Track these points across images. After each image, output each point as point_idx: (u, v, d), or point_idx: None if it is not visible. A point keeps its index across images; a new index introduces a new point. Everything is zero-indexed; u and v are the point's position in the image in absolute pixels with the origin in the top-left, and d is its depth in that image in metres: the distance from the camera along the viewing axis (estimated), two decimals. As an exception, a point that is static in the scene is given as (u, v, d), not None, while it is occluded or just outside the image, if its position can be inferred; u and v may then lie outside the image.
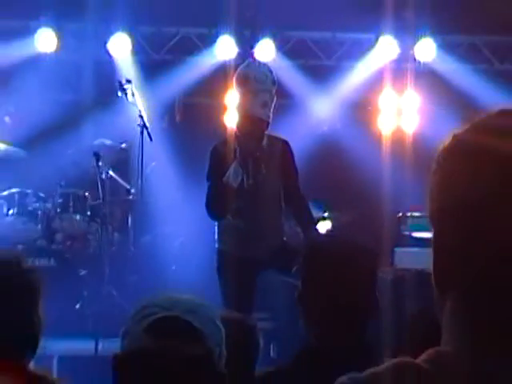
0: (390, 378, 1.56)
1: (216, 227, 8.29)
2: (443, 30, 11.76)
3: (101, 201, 10.45)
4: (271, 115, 8.10)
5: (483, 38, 11.92)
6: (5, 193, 10.40)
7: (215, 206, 8.08)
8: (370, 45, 11.89)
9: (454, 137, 1.60)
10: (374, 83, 11.71)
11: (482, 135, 1.58)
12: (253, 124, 8.05)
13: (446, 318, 1.59)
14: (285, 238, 8.34)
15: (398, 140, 11.23)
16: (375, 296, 3.92)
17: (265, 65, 9.22)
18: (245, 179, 7.98)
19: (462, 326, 1.56)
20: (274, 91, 8.18)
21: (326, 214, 10.13)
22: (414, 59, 11.91)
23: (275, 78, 8.26)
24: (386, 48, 11.82)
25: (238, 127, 8.10)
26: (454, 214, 1.57)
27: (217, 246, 8.26)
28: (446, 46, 11.95)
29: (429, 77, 11.74)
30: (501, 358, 1.49)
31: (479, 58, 11.99)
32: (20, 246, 10.34)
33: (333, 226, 10.20)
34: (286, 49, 11.86)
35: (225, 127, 8.63)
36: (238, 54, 11.57)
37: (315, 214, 9.17)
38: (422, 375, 1.51)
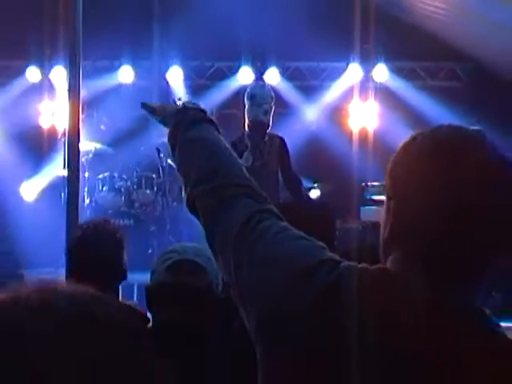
0: (375, 273, 1.57)
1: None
2: (392, 59, 11.72)
3: (162, 180, 10.56)
4: (271, 120, 8.19)
5: (418, 63, 11.91)
6: (100, 176, 10.48)
7: None
8: (343, 70, 11.83)
9: (409, 139, 1.66)
10: (346, 96, 11.69)
11: (424, 142, 1.63)
12: (258, 126, 8.17)
13: (393, 256, 1.61)
14: (280, 200, 8.30)
15: (363, 135, 11.24)
16: (333, 244, 3.90)
17: (266, 85, 9.36)
18: (253, 162, 8.11)
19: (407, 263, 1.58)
20: (272, 103, 8.26)
21: (315, 185, 10.13)
22: (373, 79, 11.85)
23: (273, 95, 8.36)
24: (353, 72, 11.77)
25: (248, 128, 8.19)
26: (397, 196, 1.63)
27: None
28: (394, 70, 11.89)
29: (384, 91, 11.70)
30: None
31: (416, 77, 11.94)
32: (110, 211, 10.41)
33: (320, 193, 10.25)
34: (286, 74, 11.81)
35: (244, 128, 8.66)
36: (254, 79, 11.57)
37: (307, 185, 9.26)
38: (391, 274, 1.56)
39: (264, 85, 9.73)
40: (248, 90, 8.78)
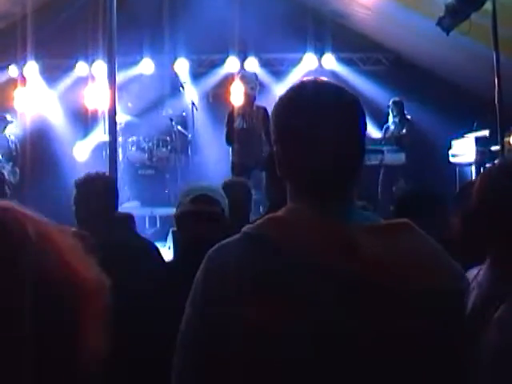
0: (272, 223, 1.35)
1: (230, 149, 8.40)
2: (336, 51, 11.60)
3: (174, 141, 10.55)
4: (256, 94, 8.31)
5: (354, 54, 11.76)
6: (129, 139, 10.49)
7: (228, 139, 8.24)
8: (301, 59, 11.71)
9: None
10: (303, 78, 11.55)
11: (291, 93, 1.43)
12: (247, 98, 8.20)
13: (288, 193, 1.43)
14: (263, 154, 8.32)
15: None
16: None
17: (253, 71, 9.46)
18: (244, 125, 8.11)
19: (299, 197, 1.40)
20: (257, 83, 8.32)
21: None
22: (323, 66, 11.73)
23: (257, 77, 8.45)
24: (309, 60, 11.64)
25: (241, 100, 8.24)
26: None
27: (231, 158, 8.37)
28: (339, 59, 11.74)
29: (331, 74, 11.47)
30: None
31: (353, 64, 11.81)
32: (137, 164, 10.46)
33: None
34: (261, 62, 11.63)
35: (231, 102, 8.64)
36: (239, 67, 11.46)
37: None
38: (288, 220, 1.34)
39: (250, 71, 9.91)
40: (240, 73, 8.91)
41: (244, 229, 1.36)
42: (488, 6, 6.76)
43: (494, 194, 1.73)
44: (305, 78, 1.54)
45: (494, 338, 1.53)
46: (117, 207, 3.71)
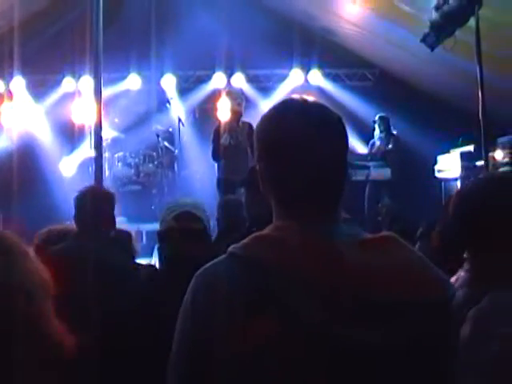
0: (258, 242, 1.33)
1: (216, 165, 8.37)
2: (322, 67, 11.62)
3: (160, 156, 10.53)
4: (243, 110, 8.29)
5: (340, 69, 11.76)
6: (116, 155, 10.45)
7: (215, 155, 8.19)
8: (287, 74, 11.70)
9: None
10: (291, 93, 11.46)
11: (274, 111, 1.43)
12: (234, 114, 8.19)
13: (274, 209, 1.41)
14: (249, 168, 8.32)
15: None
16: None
17: (239, 88, 9.45)
18: (230, 142, 8.07)
19: (284, 214, 1.39)
20: (243, 99, 8.31)
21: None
22: (309, 81, 11.75)
23: (243, 92, 8.43)
24: (296, 76, 11.65)
25: (227, 116, 8.23)
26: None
27: (216, 174, 8.33)
28: (326, 75, 11.74)
29: (317, 90, 11.57)
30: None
31: (339, 80, 11.81)
32: (124, 180, 10.39)
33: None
34: (248, 78, 11.60)
35: (217, 118, 8.63)
36: (226, 82, 11.46)
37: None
38: (275, 239, 1.31)
39: (236, 88, 9.93)
40: (227, 89, 8.92)
41: (230, 249, 1.34)
42: (472, 22, 6.80)
43: (467, 207, 1.84)
44: (288, 97, 1.53)
45: (464, 334, 1.55)
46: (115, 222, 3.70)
